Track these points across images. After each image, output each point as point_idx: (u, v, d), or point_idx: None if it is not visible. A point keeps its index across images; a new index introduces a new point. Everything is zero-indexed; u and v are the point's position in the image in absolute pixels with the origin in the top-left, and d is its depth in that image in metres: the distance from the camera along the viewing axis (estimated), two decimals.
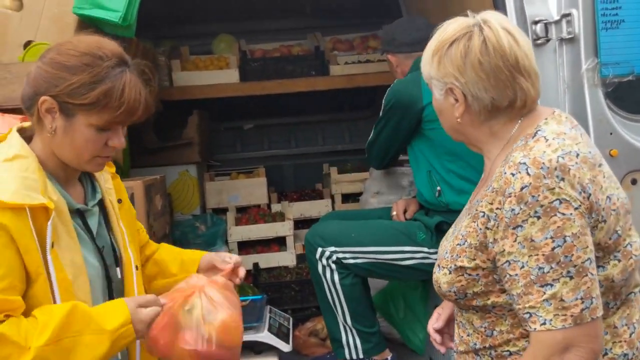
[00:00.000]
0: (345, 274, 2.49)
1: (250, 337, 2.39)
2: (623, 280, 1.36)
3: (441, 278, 1.44)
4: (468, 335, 1.48)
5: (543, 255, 1.25)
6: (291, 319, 2.82)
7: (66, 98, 1.40)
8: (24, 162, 1.41)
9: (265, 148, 4.68)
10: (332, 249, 2.47)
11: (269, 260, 3.73)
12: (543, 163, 1.27)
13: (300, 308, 3.51)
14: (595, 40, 2.18)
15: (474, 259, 1.37)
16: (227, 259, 1.73)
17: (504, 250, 1.29)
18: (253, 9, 4.36)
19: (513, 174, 1.28)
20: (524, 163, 1.28)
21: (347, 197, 4.06)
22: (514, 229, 1.27)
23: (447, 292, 1.44)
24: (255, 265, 3.66)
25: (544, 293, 1.25)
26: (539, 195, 1.25)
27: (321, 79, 3.99)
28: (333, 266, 2.47)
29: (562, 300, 1.24)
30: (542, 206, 1.25)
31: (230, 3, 4.27)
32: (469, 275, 1.38)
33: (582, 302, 1.24)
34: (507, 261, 1.29)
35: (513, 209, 1.27)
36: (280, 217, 3.87)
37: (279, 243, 3.81)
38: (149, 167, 3.56)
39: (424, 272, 2.46)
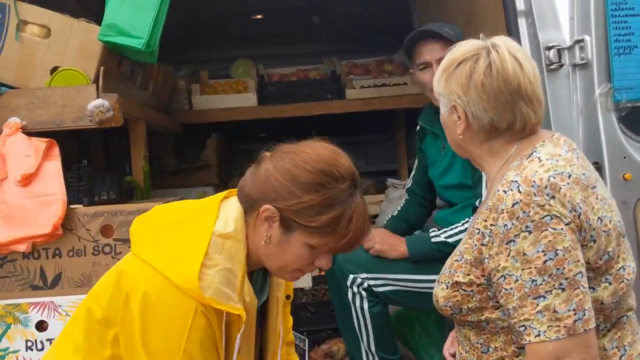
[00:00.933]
0: (375, 302, 2.46)
1: None
2: (613, 303, 1.38)
3: (439, 293, 1.49)
4: (466, 352, 1.51)
5: (535, 268, 1.28)
6: (307, 341, 2.83)
7: (291, 215, 1.34)
8: (235, 247, 1.37)
9: None
10: (364, 275, 2.44)
11: None
12: (534, 181, 1.31)
13: (316, 330, 3.52)
14: (608, 66, 2.21)
15: (469, 274, 1.41)
16: None
17: (499, 265, 1.33)
18: (271, 34, 4.45)
19: (505, 191, 1.33)
20: (516, 181, 1.33)
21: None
22: (507, 243, 1.31)
23: (444, 307, 1.48)
24: None
25: (537, 305, 1.28)
26: (529, 211, 1.29)
27: (337, 103, 4.04)
28: (364, 293, 2.44)
29: (555, 311, 1.27)
30: (533, 221, 1.28)
31: (248, 28, 4.36)
32: (464, 290, 1.42)
33: (575, 314, 1.27)
34: (502, 276, 1.33)
35: (506, 225, 1.31)
36: None
37: None
38: (168, 188, 3.62)
39: None
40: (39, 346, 2.23)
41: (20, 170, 2.22)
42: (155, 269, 1.32)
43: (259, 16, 4.36)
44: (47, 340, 2.23)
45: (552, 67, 2.26)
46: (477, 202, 2.38)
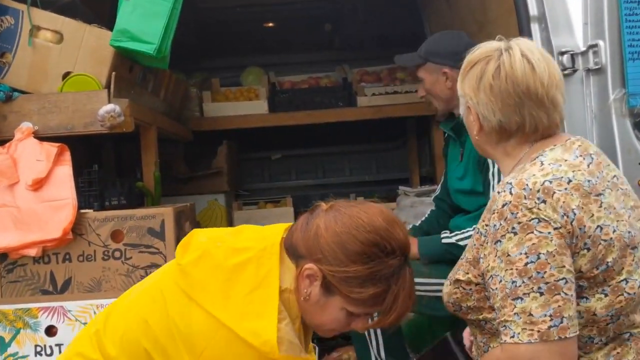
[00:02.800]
0: None
1: None
2: (609, 316, 1.34)
3: (444, 289, 1.51)
4: (476, 350, 1.52)
5: (517, 269, 1.27)
6: (317, 348, 2.81)
7: (334, 281, 1.30)
8: (292, 299, 1.34)
9: (293, 178, 4.73)
10: None
11: None
12: (527, 185, 1.31)
13: (326, 338, 3.49)
14: (623, 71, 2.18)
15: (468, 273, 1.42)
16: None
17: (489, 265, 1.33)
18: (283, 42, 4.46)
19: (499, 192, 1.34)
20: (510, 183, 1.33)
21: None
22: (495, 243, 1.31)
23: (447, 303, 1.49)
24: None
25: (515, 306, 1.27)
26: (517, 212, 1.28)
27: (348, 110, 4.03)
28: None
29: (530, 315, 1.26)
30: (519, 223, 1.28)
31: (260, 36, 4.38)
32: (463, 289, 1.43)
33: (551, 320, 1.25)
34: (490, 276, 1.33)
35: (495, 225, 1.32)
36: None
37: None
38: (179, 195, 3.63)
39: None
40: (48, 351, 2.23)
41: (32, 174, 2.23)
42: (226, 326, 1.28)
43: (270, 24, 4.38)
44: (57, 345, 2.23)
45: (566, 72, 2.24)
46: None
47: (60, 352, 2.22)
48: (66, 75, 2.39)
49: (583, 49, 2.23)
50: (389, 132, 4.62)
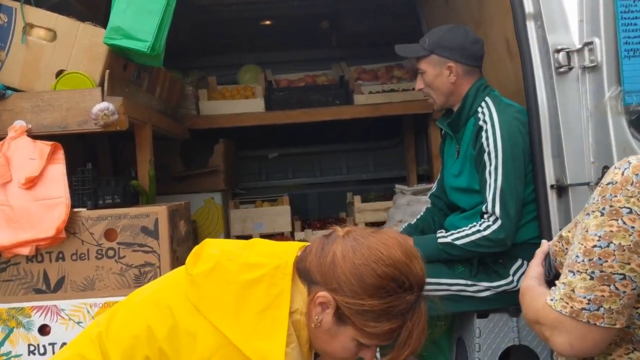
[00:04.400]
0: None
1: None
2: None
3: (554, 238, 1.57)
4: None
5: (584, 247, 1.28)
6: None
7: (348, 312, 1.28)
8: (301, 322, 1.32)
9: (290, 177, 4.72)
10: None
11: None
12: None
13: None
14: (618, 68, 2.17)
15: (569, 232, 1.47)
16: None
17: (576, 232, 1.36)
18: (279, 40, 4.45)
19: (615, 167, 1.31)
20: (630, 162, 1.30)
21: (371, 226, 4.06)
22: (586, 215, 1.32)
23: (551, 253, 1.55)
24: None
25: (567, 277, 1.31)
26: (616, 195, 1.26)
27: (345, 108, 4.02)
28: None
29: (572, 290, 1.29)
30: (611, 206, 1.26)
31: (257, 35, 4.37)
32: (563, 245, 1.48)
33: (588, 303, 1.27)
34: (572, 242, 1.36)
35: (594, 197, 1.31)
36: None
37: None
38: (175, 194, 3.62)
39: (456, 303, 2.43)
40: (42, 350, 2.22)
41: (25, 173, 2.22)
42: (233, 344, 1.26)
43: (267, 22, 4.36)
44: (50, 344, 2.22)
45: (562, 70, 2.23)
46: (484, 208, 2.36)
47: (53, 351, 2.21)
48: (60, 73, 2.38)
49: (579, 46, 2.22)
50: (386, 131, 4.61)
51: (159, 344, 1.32)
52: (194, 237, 3.40)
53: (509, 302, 2.46)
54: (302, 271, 1.35)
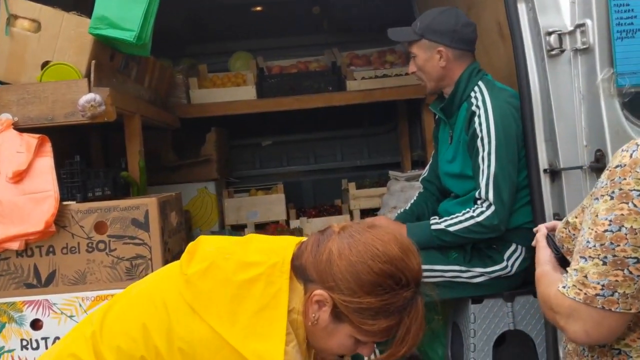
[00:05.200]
0: None
1: None
2: None
3: (560, 224, 1.54)
4: None
5: (595, 232, 1.27)
6: None
7: (346, 310, 1.27)
8: (298, 320, 1.31)
9: (284, 164, 4.69)
10: None
11: None
12: None
13: None
14: (611, 50, 2.14)
15: (576, 217, 1.45)
16: None
17: (584, 217, 1.34)
18: (270, 26, 4.40)
19: (622, 150, 1.29)
20: (638, 144, 1.28)
21: (366, 213, 4.04)
22: (594, 199, 1.30)
23: (557, 240, 1.52)
24: None
25: (578, 263, 1.29)
26: (625, 178, 1.25)
27: (338, 95, 3.99)
28: None
29: (585, 277, 1.27)
30: (620, 189, 1.25)
31: (248, 21, 4.32)
32: (569, 231, 1.45)
33: (602, 289, 1.25)
34: (581, 227, 1.35)
35: (602, 181, 1.30)
36: (298, 233, 3.87)
37: None
38: (168, 184, 3.59)
39: (450, 290, 2.42)
40: (34, 345, 2.20)
41: (12, 167, 2.19)
42: (230, 345, 1.24)
43: (258, 8, 4.31)
44: (42, 339, 2.20)
45: (553, 52, 2.21)
46: (477, 194, 2.34)
47: (46, 346, 2.20)
48: (45, 64, 2.34)
49: (570, 28, 2.19)
50: (380, 116, 4.58)
51: (154, 342, 1.30)
52: (188, 228, 3.38)
53: (504, 288, 2.46)
54: (298, 269, 1.33)
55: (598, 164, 2.14)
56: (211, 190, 3.92)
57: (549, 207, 2.25)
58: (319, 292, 1.28)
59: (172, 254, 2.41)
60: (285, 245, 1.38)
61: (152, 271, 2.15)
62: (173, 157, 3.86)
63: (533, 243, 1.66)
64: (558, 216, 2.22)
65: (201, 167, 3.88)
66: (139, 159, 2.68)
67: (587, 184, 2.17)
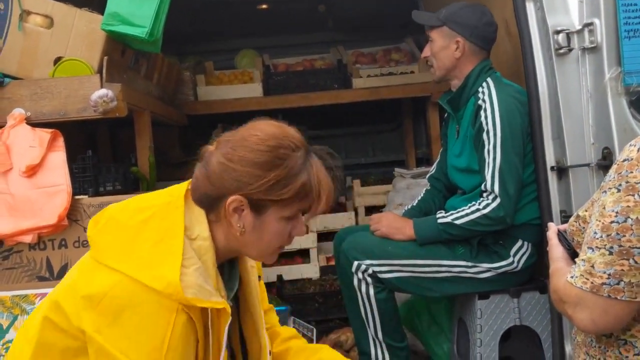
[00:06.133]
0: (381, 288, 2.44)
1: None
2: None
3: (571, 218, 1.56)
4: None
5: (602, 223, 1.30)
6: (315, 330, 2.82)
7: (261, 195, 1.33)
8: (204, 246, 1.34)
9: None
10: (369, 262, 2.42)
11: (292, 272, 3.74)
12: None
13: (323, 319, 3.51)
14: (618, 49, 2.17)
15: (586, 211, 1.46)
16: None
17: (593, 210, 1.37)
18: (276, 24, 4.42)
19: (630, 145, 1.32)
20: None
21: (371, 210, 4.06)
22: (602, 192, 1.33)
23: (569, 233, 1.54)
24: (279, 277, 3.68)
25: (586, 253, 1.33)
26: (632, 171, 1.27)
27: (344, 92, 4.01)
28: (369, 280, 2.42)
29: (592, 266, 1.31)
30: (627, 182, 1.27)
31: (254, 19, 4.34)
32: (580, 224, 1.47)
33: (608, 278, 1.29)
34: (590, 220, 1.37)
35: (610, 174, 1.33)
36: None
37: (303, 255, 3.82)
38: (175, 180, 3.60)
39: (457, 285, 2.45)
40: None
41: (25, 161, 2.21)
42: (129, 276, 1.27)
43: (264, 6, 4.33)
44: None
45: (561, 51, 2.23)
46: (483, 186, 2.37)
47: None
48: (57, 60, 2.36)
49: (578, 27, 2.22)
50: (385, 114, 4.60)
51: (58, 303, 1.33)
52: None
53: (510, 283, 2.49)
54: (201, 199, 1.37)
55: (605, 162, 2.17)
56: None
57: (555, 205, 2.28)
58: (231, 199, 1.33)
59: None
60: (177, 187, 1.43)
61: None
62: (180, 153, 3.88)
63: (551, 240, 1.67)
64: (565, 213, 2.24)
65: None
66: (149, 155, 2.70)
67: (594, 181, 2.20)
